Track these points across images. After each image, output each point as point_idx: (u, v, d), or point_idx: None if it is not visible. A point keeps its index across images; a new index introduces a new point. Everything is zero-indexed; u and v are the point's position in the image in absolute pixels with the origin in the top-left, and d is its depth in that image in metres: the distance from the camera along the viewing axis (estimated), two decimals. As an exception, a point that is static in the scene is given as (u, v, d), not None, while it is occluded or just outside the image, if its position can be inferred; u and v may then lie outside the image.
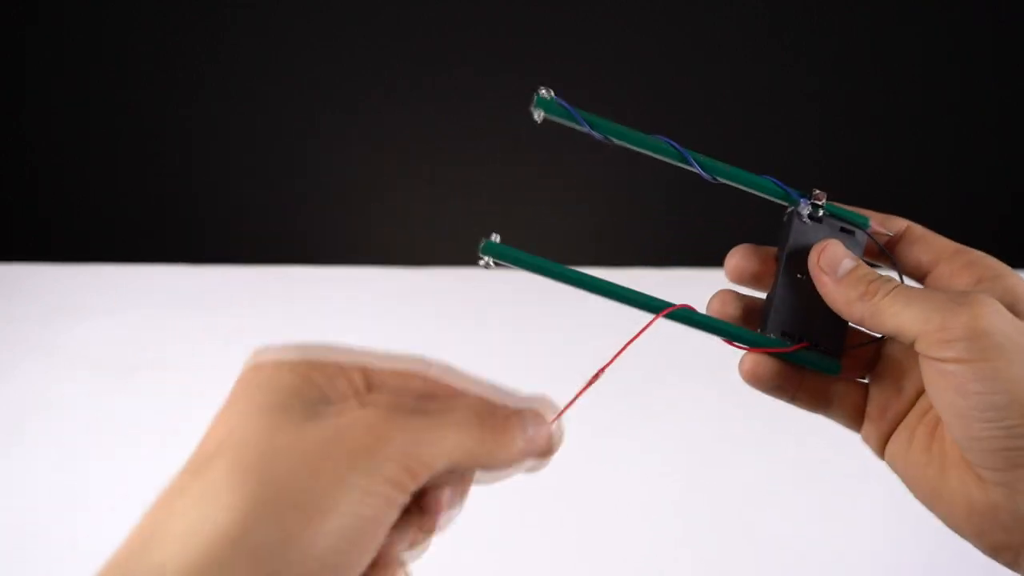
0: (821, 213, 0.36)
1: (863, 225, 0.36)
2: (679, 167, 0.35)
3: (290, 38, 1.20)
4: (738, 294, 0.37)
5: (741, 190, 0.36)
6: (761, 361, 0.35)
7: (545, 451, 0.31)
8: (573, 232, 1.27)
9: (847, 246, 0.35)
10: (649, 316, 0.34)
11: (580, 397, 0.32)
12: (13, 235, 1.27)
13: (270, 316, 1.07)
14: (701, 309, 0.36)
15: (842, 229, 0.36)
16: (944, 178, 1.25)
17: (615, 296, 0.34)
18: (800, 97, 1.21)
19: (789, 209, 0.37)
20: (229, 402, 0.29)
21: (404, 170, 1.26)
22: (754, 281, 0.37)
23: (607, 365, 0.33)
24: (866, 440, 0.37)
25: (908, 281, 0.35)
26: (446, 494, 0.30)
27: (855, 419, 0.36)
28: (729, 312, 0.36)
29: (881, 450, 0.36)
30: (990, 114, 1.22)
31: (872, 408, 0.36)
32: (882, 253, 0.36)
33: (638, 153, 0.35)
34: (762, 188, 0.36)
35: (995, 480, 0.30)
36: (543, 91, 0.34)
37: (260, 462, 0.25)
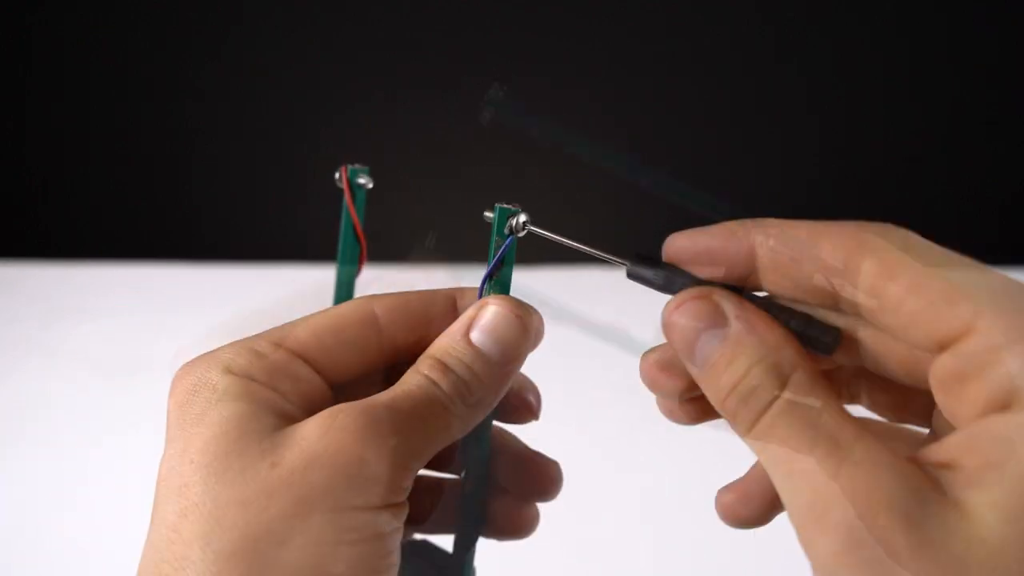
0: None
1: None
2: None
3: (290, 38, 1.20)
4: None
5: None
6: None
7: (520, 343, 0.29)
8: (573, 232, 1.27)
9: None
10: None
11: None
12: (13, 235, 1.27)
13: (270, 315, 1.07)
14: None
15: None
16: (938, 180, 1.25)
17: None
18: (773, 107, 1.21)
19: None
20: (170, 438, 0.25)
21: (403, 170, 1.26)
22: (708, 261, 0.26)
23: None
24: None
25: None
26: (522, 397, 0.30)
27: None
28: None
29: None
30: (986, 116, 1.22)
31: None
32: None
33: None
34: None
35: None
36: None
37: (240, 544, 0.22)
